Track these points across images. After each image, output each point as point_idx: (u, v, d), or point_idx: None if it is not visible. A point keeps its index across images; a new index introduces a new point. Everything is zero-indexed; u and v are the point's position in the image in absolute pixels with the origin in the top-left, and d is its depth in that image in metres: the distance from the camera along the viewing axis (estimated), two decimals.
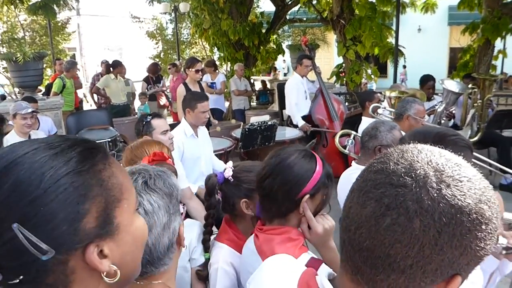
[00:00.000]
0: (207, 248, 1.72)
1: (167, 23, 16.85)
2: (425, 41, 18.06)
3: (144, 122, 2.74)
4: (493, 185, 0.64)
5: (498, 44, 8.22)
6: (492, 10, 7.74)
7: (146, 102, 8.30)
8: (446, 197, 0.59)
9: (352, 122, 4.74)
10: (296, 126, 5.67)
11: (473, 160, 4.32)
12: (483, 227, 0.60)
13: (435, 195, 0.59)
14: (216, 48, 10.05)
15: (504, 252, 1.51)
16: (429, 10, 10.13)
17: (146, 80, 8.68)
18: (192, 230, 1.86)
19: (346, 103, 7.73)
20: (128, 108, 7.73)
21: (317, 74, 6.02)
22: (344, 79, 8.29)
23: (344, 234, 0.68)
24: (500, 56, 8.76)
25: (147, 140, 2.29)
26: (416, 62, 16.03)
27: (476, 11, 8.67)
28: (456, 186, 0.60)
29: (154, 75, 8.77)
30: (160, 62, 14.67)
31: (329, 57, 18.31)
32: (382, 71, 17.21)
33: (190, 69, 4.99)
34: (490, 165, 5.09)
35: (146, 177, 1.14)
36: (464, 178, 0.61)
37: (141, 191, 1.11)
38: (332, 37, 13.34)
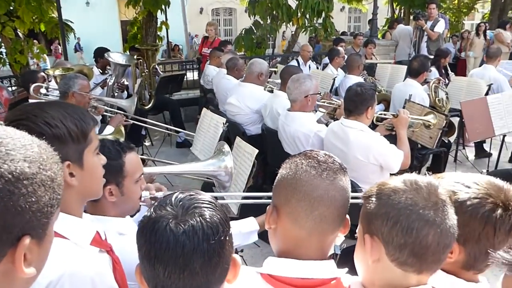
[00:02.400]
0: None
1: None
2: (96, 15, 17.93)
3: None
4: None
5: (162, 16, 8.85)
6: None
7: None
8: None
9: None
10: None
11: (151, 126, 4.57)
12: (26, 182, 0.62)
13: None
14: None
15: (153, 202, 1.66)
16: None
17: None
18: None
19: (15, 88, 6.88)
20: None
21: None
22: (7, 60, 7.31)
23: None
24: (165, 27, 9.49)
25: None
26: (90, 36, 15.83)
27: None
28: None
29: None
30: None
31: None
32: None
33: None
34: (167, 128, 5.57)
35: None
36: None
37: None
38: None
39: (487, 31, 10.34)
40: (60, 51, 18.38)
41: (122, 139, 2.42)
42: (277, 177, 1.16)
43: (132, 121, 3.91)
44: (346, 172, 1.14)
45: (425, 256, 0.97)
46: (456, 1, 18.55)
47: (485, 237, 1.10)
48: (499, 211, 1.09)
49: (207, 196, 0.96)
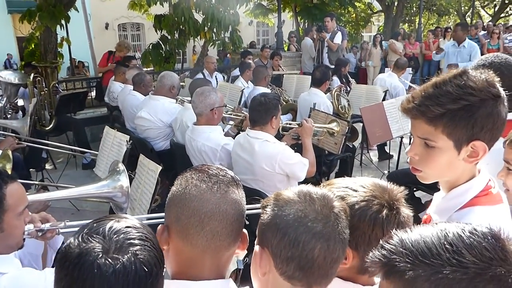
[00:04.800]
0: None
1: None
2: None
3: None
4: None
5: (62, 32, 8.34)
6: None
7: None
8: None
9: None
10: None
11: (53, 147, 4.24)
12: None
13: None
14: None
15: (40, 234, 1.60)
16: None
17: None
18: None
19: None
20: None
21: None
22: None
23: None
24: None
25: None
26: None
27: None
28: None
29: None
30: None
31: None
32: None
33: None
34: (71, 149, 5.22)
35: None
36: None
37: None
38: None
39: (383, 42, 11.18)
40: None
41: (9, 165, 2.19)
42: (168, 195, 1.10)
43: (25, 143, 3.60)
44: (240, 185, 1.11)
45: (311, 270, 0.95)
46: (354, 15, 19.87)
47: (375, 239, 1.10)
48: (385, 211, 1.12)
49: (145, 229, 0.88)
